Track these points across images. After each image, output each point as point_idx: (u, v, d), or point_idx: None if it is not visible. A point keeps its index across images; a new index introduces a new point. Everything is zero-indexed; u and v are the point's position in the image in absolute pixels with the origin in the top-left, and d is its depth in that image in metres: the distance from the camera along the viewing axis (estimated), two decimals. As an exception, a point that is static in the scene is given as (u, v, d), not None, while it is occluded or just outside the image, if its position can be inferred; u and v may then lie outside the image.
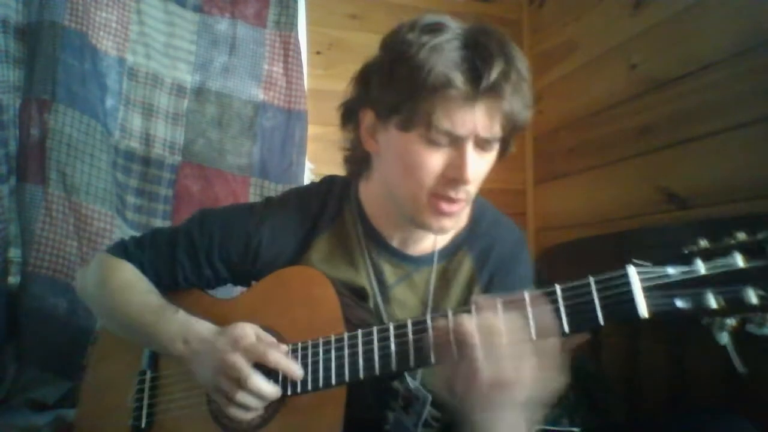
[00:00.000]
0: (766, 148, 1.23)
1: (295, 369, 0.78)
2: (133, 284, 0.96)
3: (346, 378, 0.76)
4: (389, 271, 0.94)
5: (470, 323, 0.64)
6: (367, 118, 0.87)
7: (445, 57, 0.74)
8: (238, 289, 1.05)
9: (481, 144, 0.79)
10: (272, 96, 1.93)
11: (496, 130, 0.78)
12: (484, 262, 0.95)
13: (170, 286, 0.99)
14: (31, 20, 1.63)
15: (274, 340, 0.82)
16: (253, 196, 1.86)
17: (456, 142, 0.78)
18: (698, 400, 1.34)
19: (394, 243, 0.95)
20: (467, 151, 0.77)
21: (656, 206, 1.53)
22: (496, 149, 0.83)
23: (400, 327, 0.73)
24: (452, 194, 0.80)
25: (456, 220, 0.85)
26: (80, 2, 1.66)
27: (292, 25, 1.96)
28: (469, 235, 0.97)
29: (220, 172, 1.85)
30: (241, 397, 0.77)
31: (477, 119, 0.76)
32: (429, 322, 0.70)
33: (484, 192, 1.07)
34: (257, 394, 0.77)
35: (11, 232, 1.58)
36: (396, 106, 0.78)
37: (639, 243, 1.47)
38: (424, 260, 0.95)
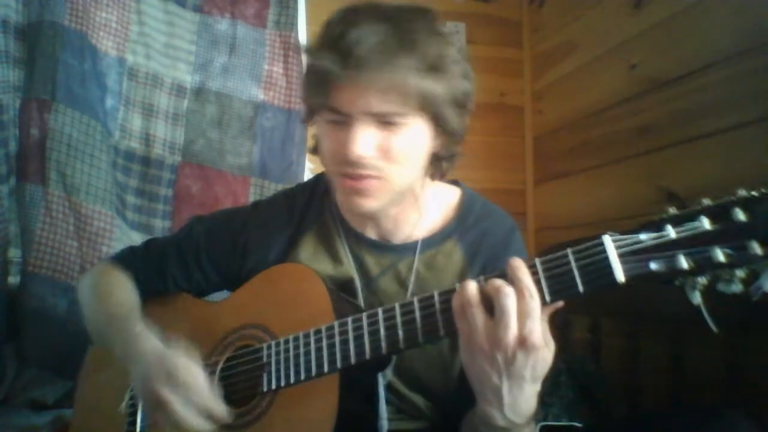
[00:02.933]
0: (766, 148, 1.23)
1: (220, 411, 0.79)
2: (114, 289, 0.98)
3: (338, 364, 0.76)
4: (372, 263, 0.94)
5: (505, 284, 0.63)
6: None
7: (320, 43, 0.78)
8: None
9: (380, 119, 0.77)
10: (272, 96, 1.93)
11: (389, 103, 0.76)
12: (476, 253, 0.93)
13: (163, 292, 1.02)
14: (31, 20, 1.63)
15: (203, 382, 0.80)
16: (253, 196, 1.87)
17: (349, 121, 0.78)
18: (698, 401, 1.34)
19: (371, 235, 0.95)
20: (352, 128, 0.77)
21: (656, 206, 1.53)
22: (415, 124, 0.80)
23: (406, 305, 0.72)
24: (349, 171, 0.80)
25: (374, 199, 0.83)
26: (80, 2, 1.67)
27: (292, 25, 1.96)
28: (458, 226, 0.95)
29: (220, 172, 1.85)
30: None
31: (360, 96, 0.75)
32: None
33: (485, 192, 1.07)
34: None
35: (11, 232, 1.58)
36: (305, 95, 0.86)
37: (639, 243, 1.46)
38: (408, 249, 0.93)
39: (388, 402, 0.87)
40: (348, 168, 0.80)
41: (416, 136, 0.81)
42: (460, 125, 0.84)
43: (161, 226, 1.78)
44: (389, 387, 0.87)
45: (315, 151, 0.96)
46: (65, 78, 1.62)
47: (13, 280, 1.58)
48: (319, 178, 1.03)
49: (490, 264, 0.92)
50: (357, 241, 0.95)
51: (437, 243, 0.94)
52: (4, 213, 1.55)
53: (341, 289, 0.92)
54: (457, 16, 2.13)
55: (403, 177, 0.83)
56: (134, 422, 0.92)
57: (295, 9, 1.97)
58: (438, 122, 0.81)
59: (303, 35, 1.98)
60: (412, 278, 0.91)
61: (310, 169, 1.94)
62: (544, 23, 2.16)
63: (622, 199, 1.68)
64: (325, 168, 0.90)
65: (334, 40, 0.75)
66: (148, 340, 0.85)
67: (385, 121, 0.78)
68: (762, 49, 1.25)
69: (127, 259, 1.04)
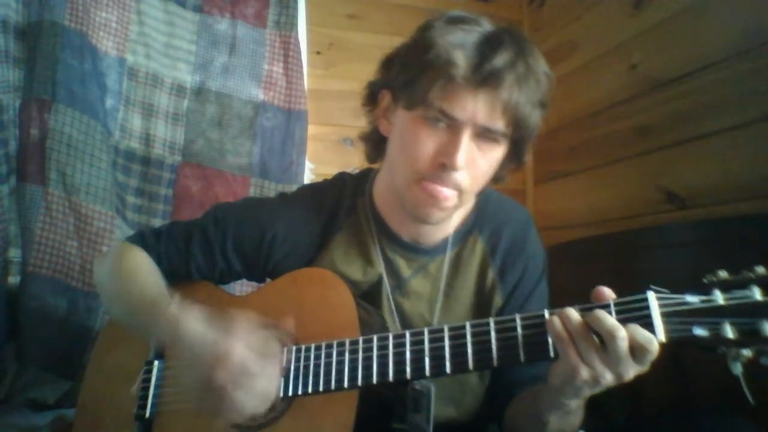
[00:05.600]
0: (766, 148, 1.23)
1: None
2: (138, 270, 0.95)
3: (359, 382, 0.75)
4: (404, 265, 0.95)
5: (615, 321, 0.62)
6: (385, 99, 0.89)
7: (455, 38, 0.76)
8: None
9: (482, 134, 0.79)
10: (272, 96, 1.93)
11: (498, 122, 0.78)
12: (496, 243, 0.96)
13: (184, 277, 1.00)
14: (31, 20, 1.62)
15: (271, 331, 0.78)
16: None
17: (454, 127, 0.78)
18: (699, 401, 1.34)
19: (405, 237, 0.95)
20: (461, 138, 0.77)
21: (656, 206, 1.53)
22: (502, 147, 0.83)
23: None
24: (435, 177, 0.80)
25: (446, 212, 0.85)
26: (80, 2, 1.66)
27: (292, 25, 1.96)
28: (477, 218, 0.97)
29: (220, 172, 1.85)
30: (239, 390, 0.72)
31: (477, 106, 0.76)
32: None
33: (484, 192, 1.08)
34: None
35: (11, 232, 1.58)
36: (405, 83, 0.81)
37: (639, 243, 1.46)
38: (438, 249, 0.95)
39: (404, 420, 0.86)
40: (436, 174, 0.80)
41: (496, 159, 0.84)
42: (523, 159, 0.88)
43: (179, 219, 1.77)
44: None
45: (364, 139, 0.97)
46: (65, 78, 1.61)
47: (13, 280, 1.58)
48: (344, 177, 1.03)
49: (510, 255, 0.95)
50: (390, 242, 0.95)
51: (461, 239, 0.96)
52: (4, 213, 1.55)
53: (369, 292, 0.92)
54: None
55: (474, 193, 0.86)
56: (145, 405, 0.91)
57: (295, 9, 1.96)
58: (513, 151, 0.85)
59: (303, 35, 1.98)
60: (444, 276, 0.94)
61: (310, 169, 1.94)
62: (544, 23, 2.16)
63: (622, 199, 1.68)
64: (400, 163, 0.86)
65: (472, 45, 0.76)
66: (188, 321, 0.80)
67: (483, 137, 0.79)
68: (762, 49, 1.25)
69: (148, 241, 1.00)
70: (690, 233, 1.36)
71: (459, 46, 0.75)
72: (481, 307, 0.94)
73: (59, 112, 1.60)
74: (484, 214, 0.98)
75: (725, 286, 0.59)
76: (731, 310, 0.57)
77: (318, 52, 2.03)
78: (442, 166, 0.79)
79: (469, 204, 0.95)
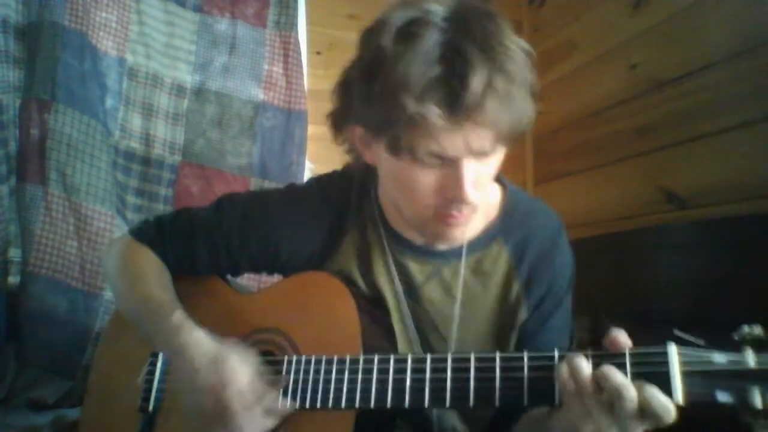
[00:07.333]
0: (766, 148, 1.23)
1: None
2: (144, 275, 0.94)
3: (356, 404, 0.73)
4: (416, 270, 0.89)
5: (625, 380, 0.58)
6: (357, 131, 0.82)
7: (418, 82, 0.66)
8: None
9: (478, 156, 0.72)
10: (272, 96, 1.93)
11: (492, 142, 0.71)
12: (523, 254, 0.87)
13: (191, 273, 0.98)
14: (31, 20, 1.63)
15: (265, 386, 0.77)
16: (253, 196, 1.86)
17: (450, 163, 0.72)
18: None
19: (417, 242, 0.90)
20: (463, 171, 0.71)
21: (656, 206, 1.53)
22: (501, 151, 0.76)
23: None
24: (455, 212, 0.75)
25: (466, 229, 0.81)
26: (80, 2, 1.66)
27: (292, 25, 1.96)
28: (503, 225, 0.89)
29: (220, 172, 1.85)
30: None
31: (467, 139, 0.69)
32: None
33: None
34: None
35: (11, 232, 1.58)
36: (380, 128, 0.73)
37: (639, 243, 1.46)
38: (453, 254, 0.88)
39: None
40: (452, 209, 0.75)
41: (499, 160, 0.77)
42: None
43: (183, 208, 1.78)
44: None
45: (353, 167, 0.93)
46: (65, 78, 1.61)
47: (13, 280, 1.58)
48: (350, 176, 0.97)
49: (538, 268, 0.88)
50: (401, 247, 0.90)
51: (483, 245, 0.88)
52: (4, 213, 1.55)
53: (375, 299, 0.89)
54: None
55: (486, 198, 0.82)
56: (148, 398, 0.91)
57: (295, 9, 1.97)
58: (514, 141, 0.76)
59: (303, 35, 1.98)
60: (459, 285, 0.87)
61: (310, 169, 1.94)
62: (544, 23, 2.16)
63: (622, 199, 1.68)
64: (406, 205, 0.81)
65: (438, 83, 0.66)
66: (189, 331, 0.81)
67: (483, 156, 0.73)
68: (762, 49, 1.25)
69: (153, 237, 0.98)
70: (690, 233, 1.36)
71: (425, 90, 0.66)
72: (504, 320, 0.89)
73: (59, 112, 1.60)
74: (511, 221, 0.89)
75: (759, 345, 0.52)
76: (763, 375, 0.51)
77: (318, 52, 2.03)
78: (453, 200, 0.74)
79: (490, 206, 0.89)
